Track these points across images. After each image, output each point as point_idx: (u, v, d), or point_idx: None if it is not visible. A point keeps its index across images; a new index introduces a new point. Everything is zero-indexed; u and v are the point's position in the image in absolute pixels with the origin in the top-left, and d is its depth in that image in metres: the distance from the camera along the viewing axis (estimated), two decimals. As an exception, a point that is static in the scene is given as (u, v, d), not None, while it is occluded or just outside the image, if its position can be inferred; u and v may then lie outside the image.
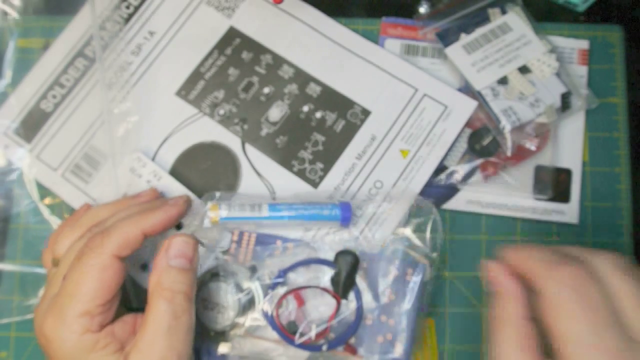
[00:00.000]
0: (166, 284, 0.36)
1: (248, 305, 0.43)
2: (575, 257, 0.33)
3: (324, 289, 0.43)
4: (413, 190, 0.47)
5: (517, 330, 0.32)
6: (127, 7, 0.52)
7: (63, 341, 0.35)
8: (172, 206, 0.41)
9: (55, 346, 0.35)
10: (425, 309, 0.45)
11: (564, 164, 0.49)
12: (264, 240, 0.45)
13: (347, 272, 0.43)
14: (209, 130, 0.49)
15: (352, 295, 0.43)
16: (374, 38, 0.51)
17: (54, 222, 0.49)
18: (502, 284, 0.34)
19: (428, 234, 0.45)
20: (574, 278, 0.31)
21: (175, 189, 0.47)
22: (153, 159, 0.48)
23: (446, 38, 0.49)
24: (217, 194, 0.46)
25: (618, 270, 0.32)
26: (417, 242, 0.45)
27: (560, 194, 0.48)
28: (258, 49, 0.50)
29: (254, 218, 0.44)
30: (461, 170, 0.48)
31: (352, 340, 0.43)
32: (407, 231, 0.45)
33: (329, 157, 0.48)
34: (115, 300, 0.37)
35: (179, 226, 0.46)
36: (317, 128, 0.49)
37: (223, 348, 0.43)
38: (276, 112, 0.49)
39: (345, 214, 0.44)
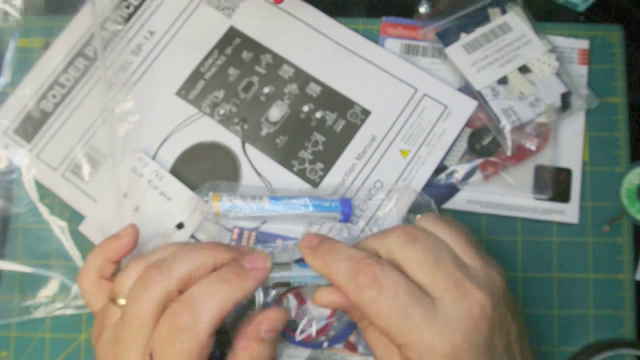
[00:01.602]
0: (254, 354, 0.36)
1: (248, 304, 0.43)
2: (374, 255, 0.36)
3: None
4: (414, 188, 0.47)
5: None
6: (127, 7, 0.52)
7: None
8: (259, 271, 0.36)
9: None
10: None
11: (564, 163, 0.49)
12: (264, 239, 0.45)
13: None
14: (209, 130, 0.49)
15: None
16: (374, 38, 0.51)
17: (54, 222, 0.49)
18: (344, 304, 0.37)
19: None
20: (369, 284, 0.34)
21: (177, 188, 0.47)
22: (153, 159, 0.48)
23: (446, 38, 0.49)
24: (219, 183, 0.46)
25: (402, 241, 0.36)
26: None
27: (560, 194, 0.48)
28: (258, 48, 0.50)
29: (256, 207, 0.44)
30: (461, 170, 0.48)
31: (352, 339, 0.43)
32: None
33: (329, 157, 0.48)
34: None
35: (180, 225, 0.46)
36: (317, 128, 0.49)
37: (223, 348, 0.43)
38: (276, 112, 0.49)
39: (346, 210, 0.44)
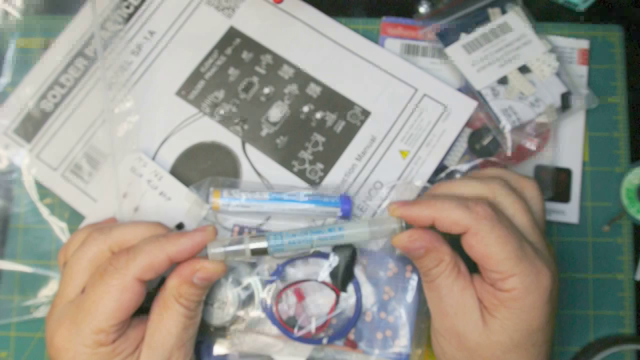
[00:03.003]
0: (185, 294, 0.37)
1: (248, 301, 0.43)
2: (477, 197, 0.38)
3: (323, 282, 0.43)
4: (416, 185, 0.47)
5: (451, 264, 0.37)
6: (127, 7, 0.52)
7: (77, 354, 0.36)
8: (200, 232, 0.38)
9: (66, 357, 0.36)
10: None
11: (564, 163, 0.49)
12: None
13: (345, 264, 0.43)
14: (209, 130, 0.49)
15: (351, 289, 0.43)
16: (374, 38, 0.51)
17: (54, 222, 0.49)
18: (429, 244, 0.37)
19: None
20: (487, 214, 0.36)
21: (177, 188, 0.47)
22: (153, 159, 0.48)
23: (446, 38, 0.49)
24: (219, 179, 0.46)
25: (506, 192, 0.38)
26: None
27: (560, 194, 0.48)
28: (258, 49, 0.50)
29: (255, 200, 0.44)
30: (461, 170, 0.48)
31: (352, 336, 0.43)
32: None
33: (329, 157, 0.48)
34: (129, 318, 0.37)
35: (180, 225, 0.46)
36: (317, 128, 0.49)
37: (223, 346, 0.43)
38: (276, 112, 0.49)
39: (345, 206, 0.45)
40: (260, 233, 0.39)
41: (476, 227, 0.36)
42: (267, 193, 0.45)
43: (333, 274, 0.43)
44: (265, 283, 0.43)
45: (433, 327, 0.39)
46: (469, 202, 0.37)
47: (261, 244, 0.38)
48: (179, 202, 0.46)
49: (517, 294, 0.35)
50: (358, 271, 0.44)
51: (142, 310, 0.38)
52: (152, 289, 0.39)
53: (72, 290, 0.38)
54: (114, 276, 0.36)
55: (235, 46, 0.51)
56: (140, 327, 0.38)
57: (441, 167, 0.48)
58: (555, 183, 0.48)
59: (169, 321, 0.37)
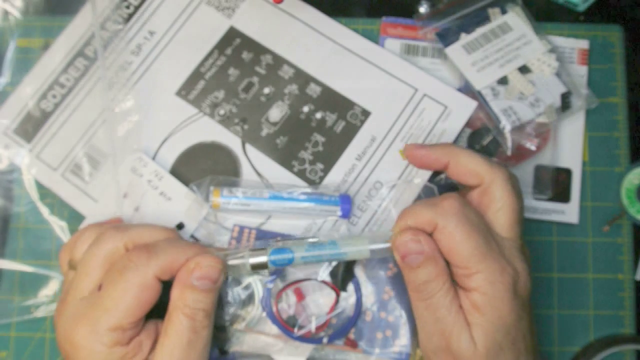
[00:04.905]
0: (188, 302, 0.36)
1: (248, 300, 0.43)
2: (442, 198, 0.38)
3: (323, 282, 0.43)
4: (416, 184, 0.47)
5: (448, 281, 0.37)
6: (127, 7, 0.52)
7: (93, 352, 0.35)
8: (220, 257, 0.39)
9: (82, 355, 0.36)
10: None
11: (564, 164, 0.49)
12: (264, 237, 0.45)
13: (346, 264, 0.43)
14: (209, 130, 0.49)
15: (351, 289, 0.43)
16: (374, 38, 0.51)
17: (54, 222, 0.49)
18: (429, 250, 0.37)
19: None
20: (453, 209, 0.37)
21: (177, 188, 0.47)
22: (153, 159, 0.48)
23: (446, 38, 0.49)
24: (219, 178, 0.47)
25: (504, 183, 0.39)
26: None
27: (560, 194, 0.48)
28: (258, 49, 0.50)
29: (256, 199, 0.44)
30: (461, 170, 0.48)
31: (352, 336, 0.43)
32: None
33: (329, 157, 0.48)
34: (144, 320, 0.37)
35: (180, 225, 0.46)
36: (317, 129, 0.49)
37: (223, 346, 0.43)
38: (276, 113, 0.49)
39: (345, 205, 0.45)
40: (260, 247, 0.39)
41: (443, 223, 0.36)
42: (268, 191, 0.45)
43: (333, 273, 0.43)
44: (265, 283, 0.43)
45: (424, 347, 0.38)
46: (436, 199, 0.38)
47: (261, 259, 0.39)
48: (179, 202, 0.46)
49: (484, 291, 0.35)
50: (358, 270, 0.44)
51: (152, 314, 0.38)
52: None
53: (86, 287, 0.37)
54: (135, 273, 0.36)
55: (235, 46, 0.51)
56: (153, 333, 0.38)
57: (441, 167, 0.48)
58: (555, 183, 0.48)
59: (173, 335, 0.36)
